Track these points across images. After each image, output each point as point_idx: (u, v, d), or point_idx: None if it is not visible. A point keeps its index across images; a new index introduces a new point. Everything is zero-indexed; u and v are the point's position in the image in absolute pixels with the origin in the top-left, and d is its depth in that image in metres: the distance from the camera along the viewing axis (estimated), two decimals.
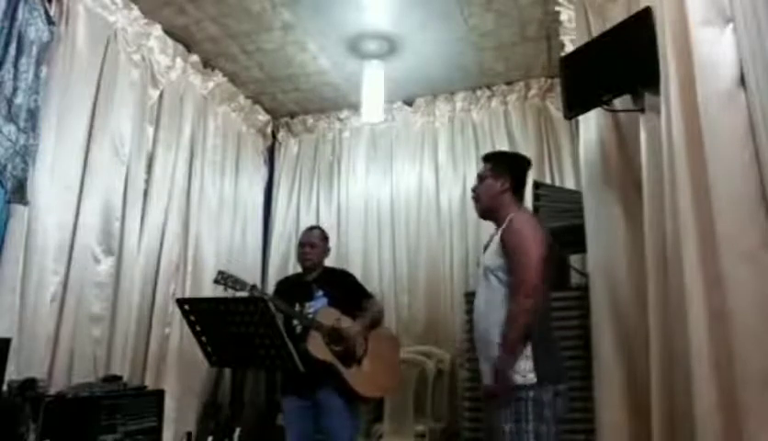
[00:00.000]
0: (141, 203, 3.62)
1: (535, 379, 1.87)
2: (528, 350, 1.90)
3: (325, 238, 3.08)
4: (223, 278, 2.72)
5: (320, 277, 2.96)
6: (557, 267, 3.12)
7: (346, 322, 2.77)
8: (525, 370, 1.88)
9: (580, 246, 2.86)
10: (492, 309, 2.01)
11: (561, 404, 1.91)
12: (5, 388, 2.46)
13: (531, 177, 3.82)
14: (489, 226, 2.27)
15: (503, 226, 2.06)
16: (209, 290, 4.00)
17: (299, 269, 3.09)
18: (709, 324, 1.75)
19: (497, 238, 2.07)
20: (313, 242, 2.99)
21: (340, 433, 2.71)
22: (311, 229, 3.14)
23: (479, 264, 2.26)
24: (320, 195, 5.04)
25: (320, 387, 2.69)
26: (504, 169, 2.17)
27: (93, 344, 3.18)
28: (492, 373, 1.95)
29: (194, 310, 2.25)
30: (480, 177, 2.23)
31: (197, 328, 2.25)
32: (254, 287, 2.78)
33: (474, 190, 2.25)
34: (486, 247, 2.18)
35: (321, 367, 2.64)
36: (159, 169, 3.79)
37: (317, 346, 2.66)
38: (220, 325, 2.21)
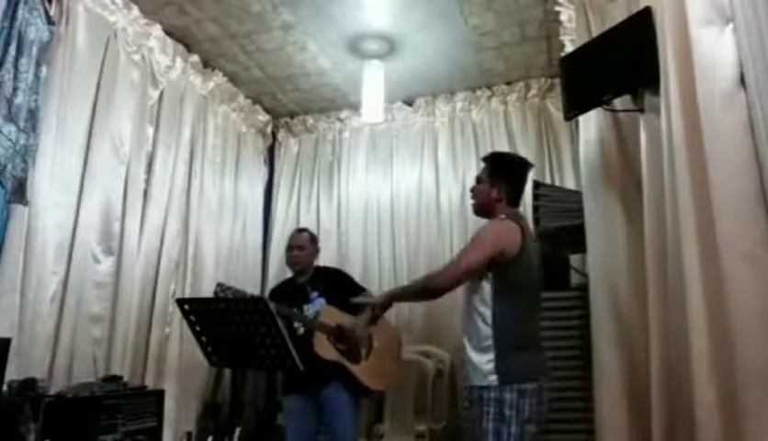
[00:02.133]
0: (141, 203, 3.62)
1: (496, 382, 1.90)
2: (491, 353, 1.94)
3: (314, 240, 3.07)
4: (222, 291, 2.69)
5: (312, 278, 2.96)
6: (557, 269, 3.13)
7: (348, 319, 2.77)
8: (486, 372, 1.92)
9: (580, 246, 2.86)
10: (465, 312, 2.09)
11: (530, 403, 1.91)
12: (5, 388, 2.46)
13: (531, 177, 3.83)
14: None
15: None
16: (210, 290, 3.99)
17: (293, 272, 3.08)
18: (709, 324, 1.75)
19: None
20: (302, 244, 2.99)
21: (344, 432, 2.71)
22: (299, 231, 3.13)
23: None
24: (320, 195, 5.05)
25: (324, 386, 2.70)
26: (502, 178, 2.19)
27: (93, 344, 3.18)
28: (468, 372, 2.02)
29: (194, 310, 2.24)
30: (479, 180, 2.26)
31: (197, 328, 2.25)
32: (253, 296, 2.77)
33: (472, 190, 2.30)
34: None
35: (329, 366, 2.65)
36: (159, 169, 3.79)
37: (324, 347, 2.67)
38: (220, 325, 2.20)
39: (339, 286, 2.93)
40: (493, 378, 1.91)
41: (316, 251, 3.06)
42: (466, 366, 2.05)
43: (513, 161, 2.37)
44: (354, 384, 2.72)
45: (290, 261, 3.00)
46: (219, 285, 2.72)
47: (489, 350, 1.94)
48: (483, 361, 1.94)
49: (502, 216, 2.13)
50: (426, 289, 2.14)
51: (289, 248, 3.01)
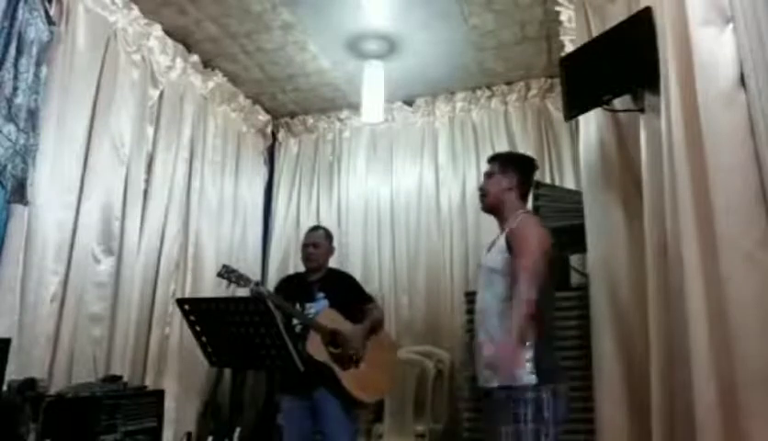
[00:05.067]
0: (141, 203, 3.62)
1: (535, 380, 1.85)
2: (529, 352, 1.87)
3: (329, 238, 3.06)
4: (227, 272, 2.70)
5: (322, 278, 2.94)
6: (558, 268, 3.13)
7: (346, 326, 2.76)
8: (524, 372, 1.86)
9: (580, 246, 2.86)
10: (492, 309, 2.01)
11: (561, 405, 1.89)
12: (5, 388, 2.46)
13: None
14: (488, 226, 2.32)
15: (510, 226, 2.08)
16: (210, 290, 4.01)
17: (299, 269, 3.09)
18: (709, 324, 1.75)
19: (503, 238, 2.08)
20: (317, 242, 2.98)
21: (337, 435, 2.70)
22: (315, 229, 3.12)
23: (479, 265, 2.27)
24: (320, 195, 5.04)
25: (317, 388, 2.69)
26: (512, 168, 2.22)
27: (93, 344, 3.18)
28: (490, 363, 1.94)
29: (194, 310, 2.25)
30: (488, 174, 2.26)
31: (197, 328, 2.25)
32: (257, 283, 2.77)
33: (481, 187, 2.29)
34: (489, 248, 2.19)
35: (318, 368, 2.64)
36: (159, 169, 3.79)
37: (315, 347, 2.66)
38: (219, 325, 2.21)
39: (347, 292, 2.92)
40: (532, 378, 1.84)
41: (331, 249, 3.06)
42: (487, 366, 1.97)
43: (522, 156, 2.45)
44: (340, 391, 2.68)
45: (305, 258, 2.99)
46: (224, 266, 2.73)
47: (525, 351, 1.86)
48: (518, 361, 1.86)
49: (520, 211, 2.14)
50: (527, 314, 1.85)
51: (305, 245, 3.00)
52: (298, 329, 2.78)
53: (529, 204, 3.20)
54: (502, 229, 2.15)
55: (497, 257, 2.06)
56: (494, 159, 2.30)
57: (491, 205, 2.24)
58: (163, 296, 3.70)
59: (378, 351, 2.86)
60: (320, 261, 2.97)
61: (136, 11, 3.59)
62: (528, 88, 4.54)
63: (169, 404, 3.38)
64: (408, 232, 4.67)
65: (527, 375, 1.85)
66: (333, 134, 5.16)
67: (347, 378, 2.70)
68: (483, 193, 2.26)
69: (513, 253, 1.99)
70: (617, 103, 2.54)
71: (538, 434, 1.82)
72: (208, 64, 4.28)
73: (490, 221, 2.35)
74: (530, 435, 1.82)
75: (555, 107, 4.38)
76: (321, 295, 2.86)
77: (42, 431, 2.48)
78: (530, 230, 2.02)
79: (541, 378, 1.85)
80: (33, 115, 2.80)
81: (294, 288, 2.96)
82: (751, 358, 1.64)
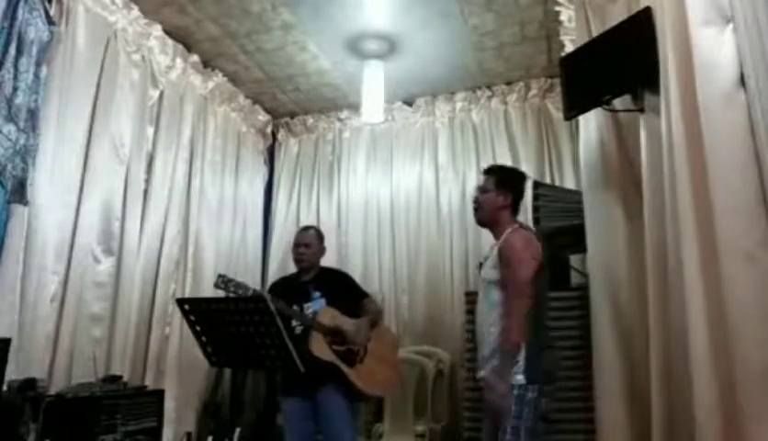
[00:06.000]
0: (141, 203, 3.62)
1: (523, 381, 1.98)
2: (520, 354, 2.01)
3: (320, 237, 3.04)
4: (224, 282, 2.66)
5: (316, 277, 2.94)
6: (557, 269, 3.14)
7: (347, 322, 2.77)
8: (514, 372, 2.00)
9: (580, 246, 2.86)
10: (488, 320, 2.15)
11: (544, 403, 2.02)
12: (5, 388, 2.46)
13: (530, 179, 3.86)
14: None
15: (500, 242, 2.20)
16: (210, 290, 3.97)
17: (298, 269, 3.08)
18: (709, 324, 1.75)
19: (495, 252, 2.20)
20: (308, 242, 2.96)
21: (341, 435, 2.70)
22: (306, 229, 3.11)
23: (479, 266, 2.36)
24: (320, 195, 5.05)
25: (321, 388, 2.69)
26: (507, 186, 2.28)
27: (93, 344, 3.18)
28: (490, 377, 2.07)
29: (194, 310, 2.24)
30: (483, 189, 2.32)
31: (197, 328, 2.25)
32: (255, 291, 2.75)
33: (476, 201, 2.35)
34: (486, 258, 2.29)
35: (324, 367, 2.64)
36: (159, 169, 3.79)
37: (319, 347, 2.65)
38: (220, 325, 2.20)
39: (342, 288, 2.92)
40: (520, 378, 1.98)
41: (322, 249, 3.04)
42: (488, 366, 2.09)
43: (517, 172, 2.48)
44: (348, 387, 2.70)
45: (297, 258, 2.97)
46: (220, 276, 2.68)
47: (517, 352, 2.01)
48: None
49: (516, 226, 2.22)
50: (511, 345, 2.03)
51: (296, 245, 2.98)
52: (298, 330, 2.77)
53: (529, 203, 3.23)
54: (497, 241, 2.25)
55: (492, 271, 2.18)
56: (490, 174, 2.35)
57: (484, 221, 2.33)
58: (163, 296, 3.70)
59: (380, 345, 2.87)
60: (311, 261, 2.96)
61: (136, 11, 3.59)
62: (528, 88, 4.54)
63: (169, 404, 3.38)
64: (408, 232, 4.67)
65: (516, 376, 1.99)
66: (333, 134, 5.16)
67: (354, 374, 2.71)
68: (477, 207, 2.33)
69: (504, 264, 2.12)
70: (617, 103, 2.54)
71: (517, 428, 1.96)
72: (208, 64, 4.28)
73: None
74: (510, 433, 1.96)
75: (555, 107, 4.39)
76: (317, 294, 2.85)
77: (42, 431, 2.48)
78: (517, 256, 2.09)
79: (528, 379, 1.99)
80: (33, 115, 2.80)
81: (289, 289, 2.93)
82: (750, 359, 1.64)
